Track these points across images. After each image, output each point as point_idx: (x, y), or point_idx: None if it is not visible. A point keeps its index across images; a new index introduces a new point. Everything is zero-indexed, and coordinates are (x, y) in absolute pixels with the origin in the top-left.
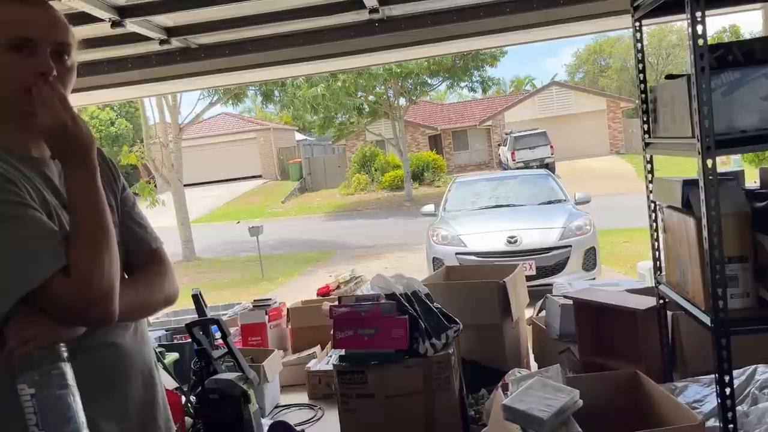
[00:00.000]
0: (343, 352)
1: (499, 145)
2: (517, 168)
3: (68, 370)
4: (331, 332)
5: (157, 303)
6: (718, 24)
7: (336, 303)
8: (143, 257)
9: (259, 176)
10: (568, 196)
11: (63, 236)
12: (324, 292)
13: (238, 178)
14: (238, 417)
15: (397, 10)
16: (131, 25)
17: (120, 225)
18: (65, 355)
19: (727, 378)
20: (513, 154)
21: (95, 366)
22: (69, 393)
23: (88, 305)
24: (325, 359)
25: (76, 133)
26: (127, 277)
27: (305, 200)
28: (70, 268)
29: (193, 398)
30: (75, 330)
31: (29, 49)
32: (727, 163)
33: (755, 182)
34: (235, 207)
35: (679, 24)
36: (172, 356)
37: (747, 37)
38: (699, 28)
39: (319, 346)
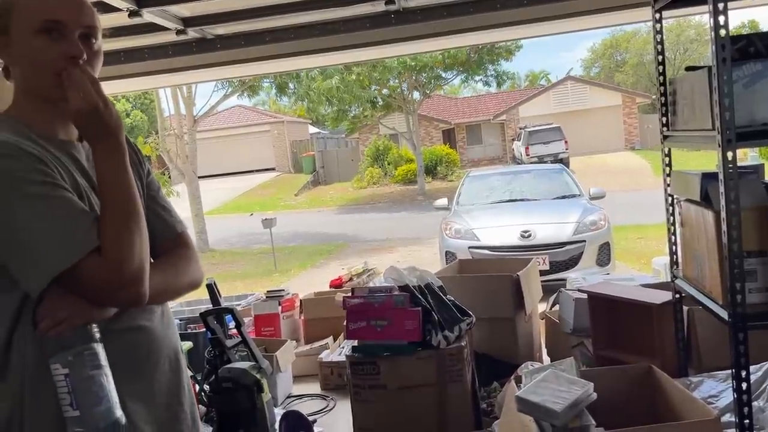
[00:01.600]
0: (355, 343)
1: (513, 139)
2: (531, 163)
3: (101, 350)
4: (344, 323)
5: (182, 287)
6: (737, 19)
7: (349, 294)
8: (168, 241)
9: (273, 169)
10: (583, 191)
11: (95, 217)
12: (337, 284)
13: (252, 171)
14: (252, 406)
15: (413, 2)
16: (148, 15)
17: (146, 209)
18: (98, 336)
19: (744, 373)
20: (527, 148)
21: (124, 349)
22: (102, 373)
23: (120, 286)
24: (337, 350)
25: (108, 116)
26: (152, 260)
27: (318, 193)
28: (103, 250)
29: (206, 387)
30: (106, 311)
31: (58, 32)
32: (743, 159)
33: None
34: (248, 199)
35: (697, 18)
36: (186, 345)
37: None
38: (721, 18)
39: (331, 337)
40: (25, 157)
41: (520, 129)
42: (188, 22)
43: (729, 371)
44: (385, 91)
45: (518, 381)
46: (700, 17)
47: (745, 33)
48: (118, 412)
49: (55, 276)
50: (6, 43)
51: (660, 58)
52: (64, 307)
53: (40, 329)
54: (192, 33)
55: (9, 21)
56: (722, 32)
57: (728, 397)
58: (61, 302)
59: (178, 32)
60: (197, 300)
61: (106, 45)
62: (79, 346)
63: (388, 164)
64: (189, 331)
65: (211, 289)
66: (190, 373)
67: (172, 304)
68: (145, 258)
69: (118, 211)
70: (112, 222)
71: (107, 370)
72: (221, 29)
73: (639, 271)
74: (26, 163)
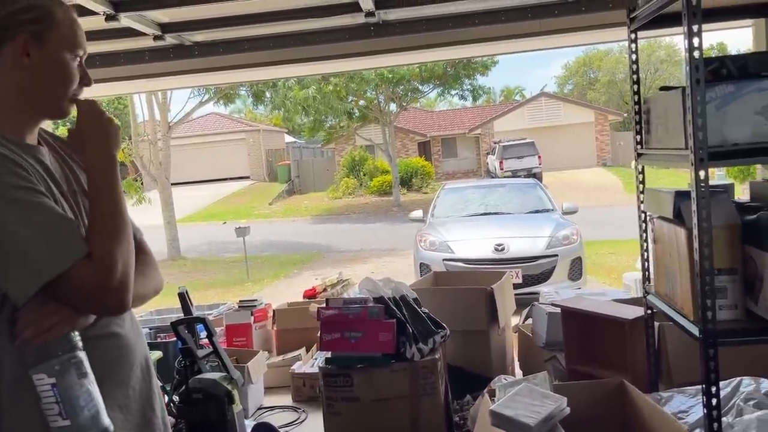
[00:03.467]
0: (329, 354)
1: (487, 153)
2: (505, 177)
3: (85, 358)
4: (318, 334)
5: (147, 293)
6: (706, 41)
7: (324, 305)
8: None
9: (247, 177)
10: (556, 206)
11: (78, 224)
12: (310, 295)
13: (226, 179)
14: (222, 417)
15: (392, 15)
16: (125, 20)
17: None
18: (80, 343)
19: (714, 389)
20: (501, 163)
21: (101, 356)
22: (89, 381)
23: (107, 293)
24: (309, 362)
25: (109, 122)
26: None
27: (293, 202)
28: (93, 256)
29: (176, 397)
30: (90, 318)
31: (80, 59)
32: (711, 177)
33: (739, 197)
34: (221, 207)
35: (667, 39)
36: (155, 355)
37: (733, 54)
38: (695, 40)
39: (304, 348)
40: (4, 162)
41: (495, 143)
42: (166, 27)
43: (699, 386)
44: (362, 102)
45: (492, 394)
46: (671, 38)
47: (714, 55)
48: (107, 419)
49: (45, 283)
50: (36, 48)
51: (635, 77)
52: (49, 315)
53: (23, 338)
54: (170, 39)
55: (49, 32)
56: (696, 54)
57: (698, 413)
58: (47, 310)
59: (156, 38)
60: (168, 309)
61: None
62: (64, 354)
63: (364, 175)
64: (159, 340)
65: (183, 297)
66: (159, 383)
67: (142, 312)
68: (131, 265)
69: (108, 218)
70: (102, 229)
71: (92, 377)
72: (199, 36)
73: (610, 286)
74: (6, 168)
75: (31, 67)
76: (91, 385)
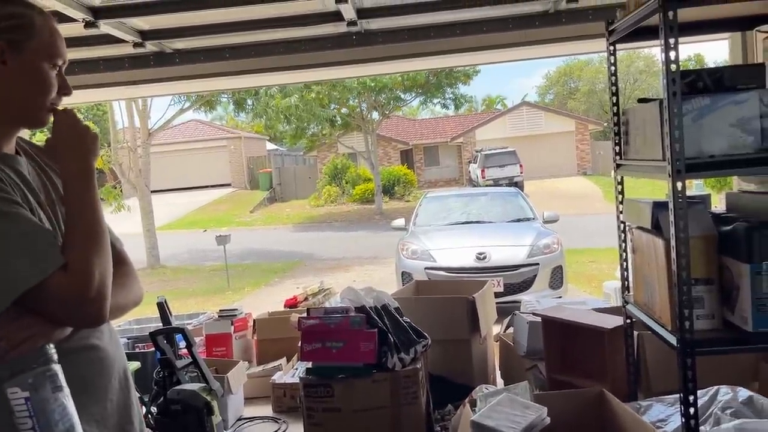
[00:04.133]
0: (310, 364)
1: (469, 162)
2: (487, 185)
3: (59, 371)
4: (299, 344)
5: (126, 304)
6: (683, 53)
7: (305, 315)
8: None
9: (228, 185)
10: (537, 214)
11: (54, 235)
12: (292, 304)
13: (207, 186)
14: (201, 429)
15: (375, 24)
16: (105, 27)
17: None
18: (55, 356)
19: (691, 398)
20: (483, 171)
21: (78, 368)
22: (64, 394)
23: (84, 304)
24: (290, 372)
25: (86, 130)
26: None
27: (274, 210)
28: (70, 267)
29: (154, 409)
30: (64, 331)
31: (58, 69)
32: (689, 187)
33: (716, 207)
34: (202, 215)
35: (646, 51)
36: (133, 365)
37: (711, 65)
38: (672, 54)
39: (284, 358)
40: None
41: (477, 152)
42: (146, 35)
43: (677, 395)
44: (344, 110)
45: (473, 404)
46: (649, 50)
47: (691, 66)
48: None
49: (22, 293)
50: (13, 57)
51: (614, 89)
52: (24, 328)
53: None
54: (150, 46)
55: (27, 41)
56: (673, 67)
57: (676, 421)
58: (20, 323)
59: (136, 45)
60: (146, 318)
61: None
62: (39, 367)
63: (346, 183)
64: (137, 350)
65: (162, 307)
66: (137, 395)
67: (121, 322)
68: (109, 276)
69: (86, 230)
70: (80, 240)
71: (67, 391)
72: (180, 43)
73: (590, 294)
74: None
75: (8, 76)
76: (66, 398)
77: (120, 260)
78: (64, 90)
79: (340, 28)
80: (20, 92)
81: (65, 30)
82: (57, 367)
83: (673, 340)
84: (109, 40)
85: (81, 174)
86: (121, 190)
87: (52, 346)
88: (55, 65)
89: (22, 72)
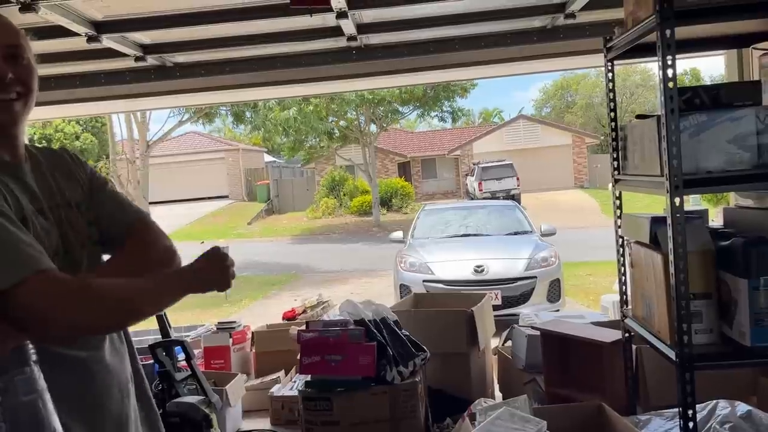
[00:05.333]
0: (308, 377)
1: (466, 174)
2: (484, 198)
3: (37, 373)
4: (298, 357)
5: (149, 265)
6: (679, 68)
7: (303, 327)
8: (123, 234)
9: (226, 197)
10: (534, 227)
11: (39, 249)
12: (290, 316)
13: (205, 198)
14: None
15: (374, 39)
16: (107, 41)
17: (95, 207)
18: (34, 358)
19: (690, 412)
20: (480, 184)
21: (74, 377)
22: (38, 398)
23: (54, 318)
24: (289, 385)
25: (224, 272)
26: (110, 256)
27: (272, 222)
28: (93, 284)
29: None
30: (44, 334)
31: None
32: (686, 202)
33: (713, 221)
34: (200, 227)
35: (642, 65)
36: None
37: (707, 80)
38: (669, 71)
39: (283, 371)
40: None
41: (474, 165)
42: (148, 49)
43: (676, 410)
44: (342, 123)
45: (472, 418)
46: (645, 64)
47: (687, 81)
48: None
49: None
50: None
51: (612, 104)
52: None
53: None
54: (151, 60)
55: None
56: (670, 84)
57: None
58: None
59: (137, 59)
60: (145, 330)
61: (61, 68)
62: (12, 370)
63: (344, 195)
64: None
65: (161, 319)
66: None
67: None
68: (82, 321)
69: (135, 295)
70: (124, 289)
71: (45, 395)
72: (181, 57)
73: (588, 308)
74: None
75: None
76: (41, 402)
77: (136, 230)
78: None
79: (340, 42)
80: None
81: (68, 44)
82: (33, 370)
83: (671, 354)
84: (110, 53)
85: (182, 285)
86: None
87: (30, 347)
88: None
89: None
